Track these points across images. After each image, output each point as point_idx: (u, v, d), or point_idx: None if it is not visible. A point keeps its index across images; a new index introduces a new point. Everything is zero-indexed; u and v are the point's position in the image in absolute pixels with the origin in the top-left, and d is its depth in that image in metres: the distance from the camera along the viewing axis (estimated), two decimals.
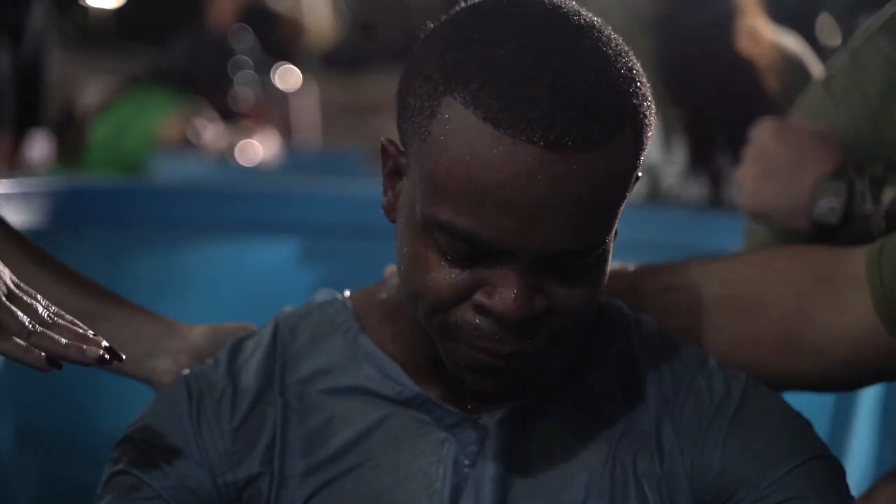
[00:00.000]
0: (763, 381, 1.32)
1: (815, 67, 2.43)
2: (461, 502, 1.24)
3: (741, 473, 1.24)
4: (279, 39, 4.31)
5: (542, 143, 1.07)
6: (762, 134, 1.66)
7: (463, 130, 1.09)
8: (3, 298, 1.08)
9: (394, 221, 1.20)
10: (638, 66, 1.15)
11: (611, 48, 1.15)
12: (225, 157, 3.41)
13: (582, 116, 1.08)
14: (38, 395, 1.94)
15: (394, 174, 1.20)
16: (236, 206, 2.29)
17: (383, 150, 1.20)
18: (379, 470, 1.25)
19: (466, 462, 1.24)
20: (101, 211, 2.21)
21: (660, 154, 2.48)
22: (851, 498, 1.25)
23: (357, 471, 1.25)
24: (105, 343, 1.10)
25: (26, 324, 1.07)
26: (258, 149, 3.52)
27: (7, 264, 1.13)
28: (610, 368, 1.29)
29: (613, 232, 1.15)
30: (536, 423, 1.26)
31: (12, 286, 1.10)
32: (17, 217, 1.98)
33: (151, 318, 1.37)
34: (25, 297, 1.09)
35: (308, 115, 4.57)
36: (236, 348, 1.30)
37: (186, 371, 1.30)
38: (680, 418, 1.27)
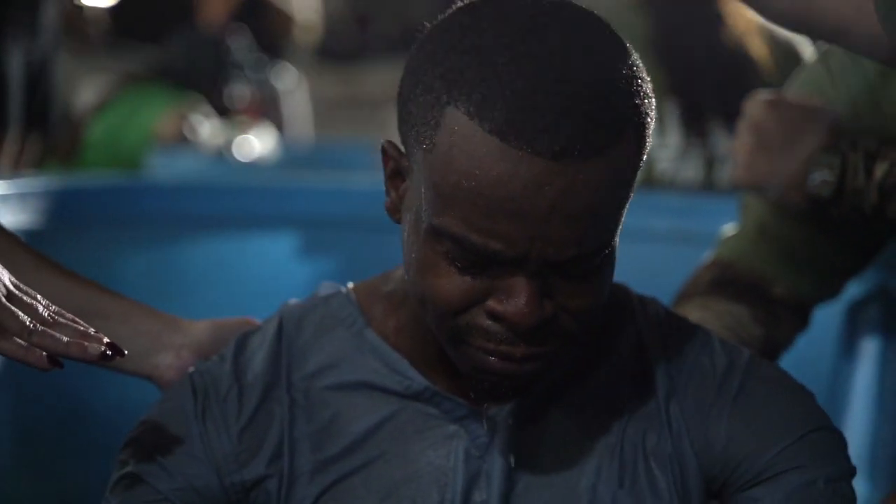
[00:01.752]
0: None
1: (806, 50, 2.43)
2: (474, 494, 1.24)
3: (744, 447, 1.26)
4: (271, 33, 4.31)
5: (548, 155, 1.07)
6: (756, 107, 1.66)
7: (469, 143, 1.09)
8: (3, 299, 1.08)
9: (398, 222, 1.20)
10: (638, 61, 1.16)
11: (611, 47, 1.15)
12: (222, 153, 3.42)
13: (586, 124, 1.09)
14: (39, 393, 1.95)
15: (395, 175, 1.20)
16: (235, 201, 2.30)
17: (384, 151, 1.20)
18: (389, 465, 1.25)
19: (477, 454, 1.25)
20: (98, 209, 2.21)
21: (654, 138, 2.49)
22: (852, 467, 1.27)
23: (367, 467, 1.25)
24: (106, 339, 1.10)
25: (27, 323, 1.08)
26: (255, 144, 3.52)
27: (4, 265, 1.13)
28: (617, 353, 1.30)
29: (619, 231, 1.16)
30: (545, 412, 1.27)
31: (12, 287, 1.10)
32: (14, 217, 1.99)
33: (151, 313, 1.37)
34: (25, 297, 1.10)
35: (300, 110, 4.57)
36: (241, 344, 1.30)
37: (192, 368, 1.30)
38: (685, 397, 1.28)
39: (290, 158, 3.75)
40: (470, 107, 1.09)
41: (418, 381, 1.25)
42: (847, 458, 1.27)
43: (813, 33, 1.31)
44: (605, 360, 1.29)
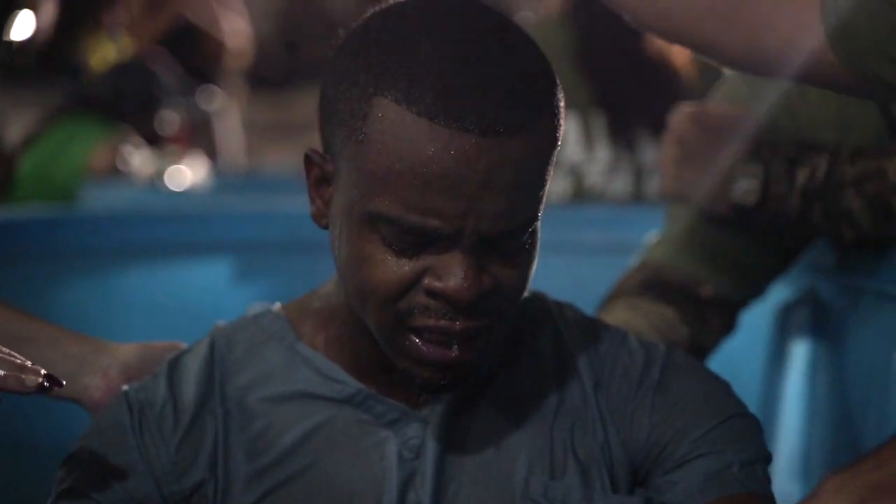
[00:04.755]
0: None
1: None
2: (409, 496, 1.28)
3: (665, 435, 1.32)
4: (201, 59, 4.28)
5: (476, 131, 1.13)
6: (679, 119, 1.71)
7: (399, 127, 1.15)
8: None
9: (325, 227, 1.24)
10: (543, 53, 1.23)
11: (521, 38, 1.22)
12: (154, 183, 3.40)
13: (509, 102, 1.15)
14: None
15: (320, 182, 1.24)
16: (166, 229, 2.30)
17: (307, 159, 1.25)
18: (323, 472, 1.29)
19: (410, 455, 1.28)
20: (29, 242, 2.20)
21: (582, 153, 2.51)
22: (768, 453, 1.33)
23: (301, 475, 1.29)
24: (43, 371, 1.11)
25: None
26: (187, 173, 3.51)
27: None
28: (538, 352, 1.36)
29: (541, 212, 1.22)
30: (476, 411, 1.32)
31: None
32: None
33: (78, 337, 1.39)
34: None
35: (232, 136, 4.56)
36: (174, 363, 1.34)
37: (125, 387, 1.32)
38: (608, 389, 1.35)
39: (223, 185, 3.75)
40: (397, 94, 1.15)
41: (351, 383, 1.29)
42: (762, 444, 1.33)
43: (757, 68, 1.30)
44: (527, 360, 1.35)
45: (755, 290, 1.77)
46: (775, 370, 1.95)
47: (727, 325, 1.76)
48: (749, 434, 1.34)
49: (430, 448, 1.30)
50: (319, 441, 1.30)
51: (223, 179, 3.88)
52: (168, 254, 2.28)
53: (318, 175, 1.25)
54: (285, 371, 1.32)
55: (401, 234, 1.17)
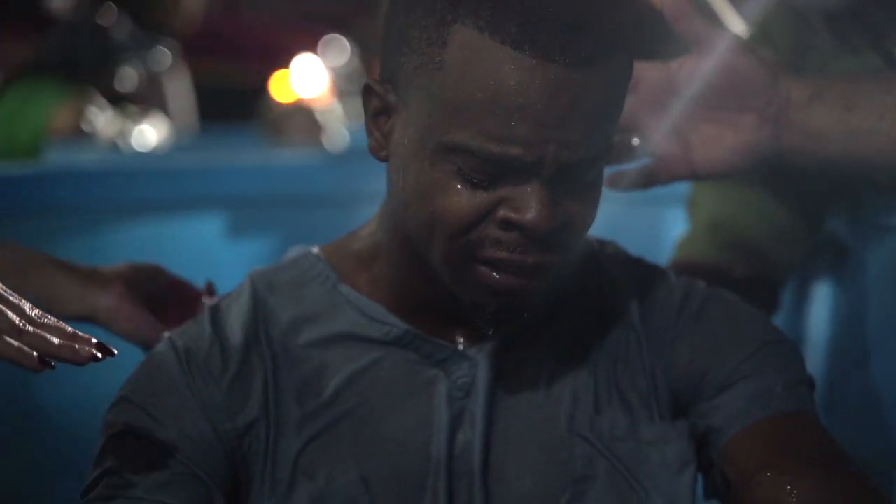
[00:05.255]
0: None
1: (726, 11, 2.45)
2: (459, 433, 1.29)
3: (706, 360, 1.34)
4: (154, 14, 4.22)
5: (562, 62, 1.13)
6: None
7: (481, 56, 1.14)
8: None
9: (383, 160, 1.23)
10: None
11: None
12: (117, 143, 3.36)
13: (595, 33, 1.16)
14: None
15: (379, 114, 1.23)
16: (157, 185, 2.27)
17: (367, 90, 1.23)
18: (374, 412, 1.29)
19: (459, 395, 1.29)
20: (16, 199, 2.17)
21: None
22: (810, 377, 1.35)
23: (352, 415, 1.29)
24: (94, 340, 1.11)
25: (17, 322, 1.07)
26: (150, 133, 3.47)
27: None
28: (584, 289, 1.37)
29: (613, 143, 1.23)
30: (522, 349, 1.33)
31: None
32: None
33: (67, 262, 1.44)
34: (12, 298, 1.09)
35: (183, 96, 4.51)
36: (215, 308, 1.34)
37: (167, 333, 1.33)
38: (649, 323, 1.36)
39: (182, 145, 3.71)
40: (479, 22, 1.14)
41: (398, 325, 1.30)
42: (804, 368, 1.36)
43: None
44: (571, 297, 1.36)
45: (787, 263, 1.78)
46: (798, 316, 1.94)
47: (767, 304, 1.77)
48: (791, 358, 1.36)
49: (481, 386, 1.30)
50: (367, 382, 1.31)
51: (180, 139, 3.85)
52: (158, 210, 2.25)
53: (378, 106, 1.25)
54: (329, 313, 1.33)
55: (479, 165, 1.17)
